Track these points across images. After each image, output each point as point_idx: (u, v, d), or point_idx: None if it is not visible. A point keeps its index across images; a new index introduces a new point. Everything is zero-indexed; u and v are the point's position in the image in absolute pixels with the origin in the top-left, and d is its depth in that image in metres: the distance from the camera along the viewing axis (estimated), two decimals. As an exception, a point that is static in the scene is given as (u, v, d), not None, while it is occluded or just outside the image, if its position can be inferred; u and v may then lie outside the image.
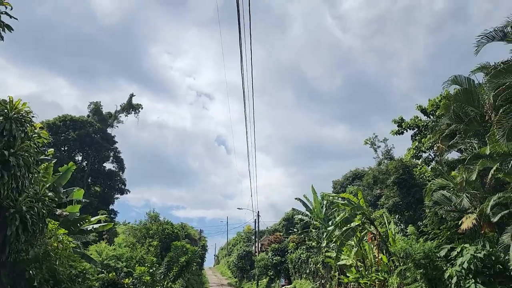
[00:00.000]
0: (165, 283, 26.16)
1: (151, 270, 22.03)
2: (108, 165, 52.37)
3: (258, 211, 48.03)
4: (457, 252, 13.11)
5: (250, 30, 10.71)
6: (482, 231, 13.49)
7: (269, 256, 38.42)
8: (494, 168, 12.07)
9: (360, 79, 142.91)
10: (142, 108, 61.21)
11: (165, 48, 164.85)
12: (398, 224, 20.16)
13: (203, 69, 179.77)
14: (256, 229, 48.06)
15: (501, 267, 11.91)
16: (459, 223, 13.96)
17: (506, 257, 11.38)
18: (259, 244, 47.33)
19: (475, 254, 12.14)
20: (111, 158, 52.16)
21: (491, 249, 12.46)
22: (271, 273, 38.09)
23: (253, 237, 50.88)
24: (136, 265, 21.82)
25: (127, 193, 52.98)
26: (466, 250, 12.50)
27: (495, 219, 12.80)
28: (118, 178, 52.47)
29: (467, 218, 13.60)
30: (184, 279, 30.18)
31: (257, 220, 47.07)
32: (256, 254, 44.82)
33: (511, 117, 11.23)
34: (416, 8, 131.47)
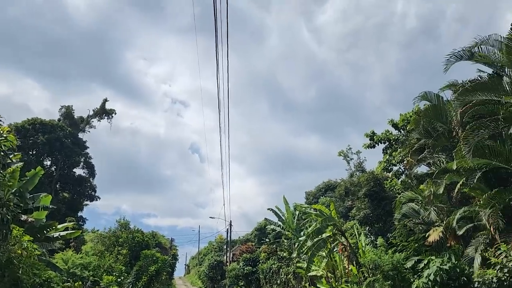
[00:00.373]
0: (133, 293, 25.64)
1: (119, 279, 21.59)
2: (78, 171, 51.10)
3: (231, 221, 47.79)
4: (424, 264, 13.39)
5: (227, 39, 10.76)
6: (448, 244, 13.85)
7: (240, 266, 38.19)
8: (460, 182, 12.46)
9: (334, 91, 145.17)
10: (115, 113, 60.18)
11: (141, 53, 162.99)
12: (368, 236, 20.46)
13: (179, 76, 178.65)
14: (228, 238, 47.74)
15: (465, 279, 12.21)
16: (427, 236, 14.29)
17: (471, 270, 11.71)
18: (231, 253, 46.99)
19: (441, 266, 12.43)
20: (82, 163, 50.92)
21: (456, 262, 12.78)
22: (242, 284, 37.83)
23: (225, 247, 50.50)
24: (104, 274, 21.33)
25: (97, 200, 51.77)
26: (433, 262, 12.79)
27: (460, 232, 13.18)
28: (88, 184, 51.24)
29: (434, 231, 13.94)
30: (153, 289, 29.63)
31: (229, 230, 46.81)
32: (228, 264, 44.47)
33: (477, 134, 11.65)
34: (389, 25, 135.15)
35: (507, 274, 9.10)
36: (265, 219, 36.15)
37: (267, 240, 40.97)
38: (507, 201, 11.16)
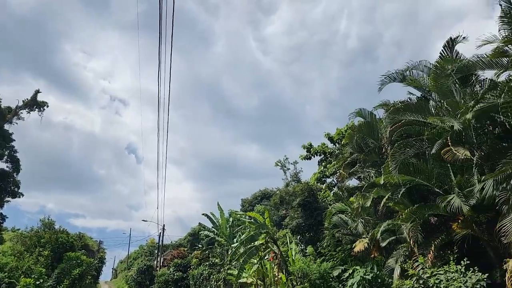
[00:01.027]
0: (53, 297, 24.18)
1: (37, 282, 20.26)
2: (1, 164, 47.47)
3: (164, 225, 46.76)
4: (349, 273, 13.94)
5: (171, 39, 10.59)
6: (372, 255, 14.53)
7: (170, 272, 37.41)
8: (386, 197, 13.13)
9: (276, 102, 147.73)
10: (47, 106, 56.44)
11: (80, 46, 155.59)
12: (299, 245, 20.91)
13: (120, 73, 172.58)
14: (160, 243, 46.63)
15: (385, 289, 12.87)
16: (353, 246, 14.90)
17: (390, 280, 12.35)
18: (162, 258, 45.88)
19: (364, 276, 13.00)
20: (6, 157, 47.37)
21: (378, 272, 13.44)
22: (171, 289, 37.07)
23: (156, 251, 49.24)
24: (21, 276, 19.92)
25: (20, 197, 48.05)
26: (357, 272, 13.35)
27: (383, 244, 13.90)
28: (11, 179, 47.65)
29: (360, 242, 14.57)
30: (76, 293, 28.09)
31: (161, 234, 45.75)
32: (158, 269, 43.35)
33: (403, 152, 12.37)
34: (332, 44, 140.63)
35: (422, 285, 9.70)
36: (199, 224, 35.78)
37: (200, 245, 40.48)
38: (426, 216, 11.93)
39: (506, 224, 8.99)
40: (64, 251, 28.64)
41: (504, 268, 8.31)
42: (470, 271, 9.38)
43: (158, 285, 38.53)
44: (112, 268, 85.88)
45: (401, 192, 12.64)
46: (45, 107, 56.26)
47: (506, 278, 8.27)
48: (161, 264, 43.82)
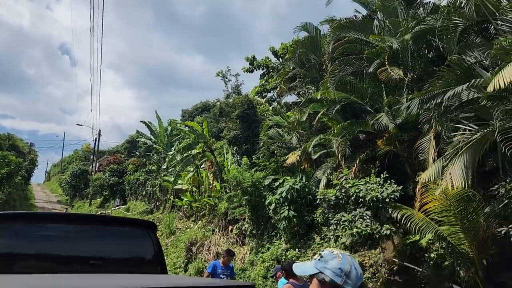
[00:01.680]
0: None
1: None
2: None
3: (100, 130, 45.72)
4: (280, 183, 14.63)
5: None
6: (303, 167, 15.28)
7: (106, 176, 37.38)
8: (322, 112, 13.52)
9: (223, 13, 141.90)
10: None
11: None
12: (235, 155, 21.45)
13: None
14: (96, 148, 45.86)
15: (311, 198, 13.73)
16: (286, 158, 15.51)
17: (316, 190, 13.17)
18: (98, 164, 45.45)
19: (293, 186, 13.71)
20: None
21: (306, 182, 14.24)
22: (106, 193, 37.35)
23: (92, 156, 48.53)
24: None
25: None
26: (287, 182, 14.02)
27: (314, 157, 14.60)
28: None
29: (292, 154, 15.17)
30: (4, 192, 27.44)
31: (97, 139, 44.82)
32: (93, 173, 43.08)
33: (342, 69, 12.57)
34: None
35: (344, 194, 10.46)
36: (137, 131, 35.36)
37: (137, 153, 40.40)
38: (356, 132, 12.53)
39: (424, 142, 9.71)
40: (-10, 151, 27.35)
41: (417, 180, 9.10)
42: (387, 183, 10.19)
43: (93, 189, 38.57)
44: (45, 171, 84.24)
45: (335, 109, 13.02)
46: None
47: (417, 189, 9.10)
48: (96, 169, 43.51)
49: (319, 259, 1.89)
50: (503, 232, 7.76)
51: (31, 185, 47.84)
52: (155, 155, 31.74)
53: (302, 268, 1.93)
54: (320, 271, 1.82)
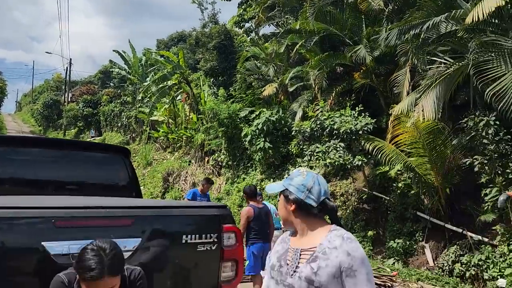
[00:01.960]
0: None
1: None
2: None
3: (71, 59, 43.81)
4: (256, 115, 14.67)
5: None
6: (279, 99, 15.26)
7: (79, 107, 36.58)
8: (300, 43, 13.25)
9: None
10: None
11: None
12: (212, 87, 21.15)
13: None
14: (67, 78, 44.32)
15: (287, 130, 13.89)
16: (263, 90, 15.41)
17: (292, 122, 13.28)
18: (70, 94, 44.19)
19: (269, 118, 13.78)
20: None
21: (282, 115, 14.32)
22: (81, 125, 36.79)
23: (64, 87, 47.02)
24: None
25: None
26: (263, 114, 14.06)
27: (291, 89, 14.57)
28: None
29: (269, 86, 15.07)
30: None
31: (68, 68, 43.16)
32: (65, 103, 42.01)
33: (322, -1, 12.15)
34: None
35: (319, 126, 10.58)
36: (110, 61, 34.16)
37: (111, 84, 39.34)
38: (333, 65, 12.44)
39: (400, 75, 9.74)
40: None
41: (390, 113, 9.26)
42: (362, 116, 10.34)
43: (67, 120, 37.88)
44: (16, 101, 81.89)
45: (314, 40, 12.76)
46: None
47: (390, 122, 9.29)
48: (69, 99, 42.42)
49: (287, 177, 1.95)
50: (467, 163, 8.12)
51: (2, 115, 46.56)
52: (130, 86, 30.97)
53: (272, 187, 1.99)
54: (286, 188, 1.88)
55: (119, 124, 30.69)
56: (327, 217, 1.92)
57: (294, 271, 1.77)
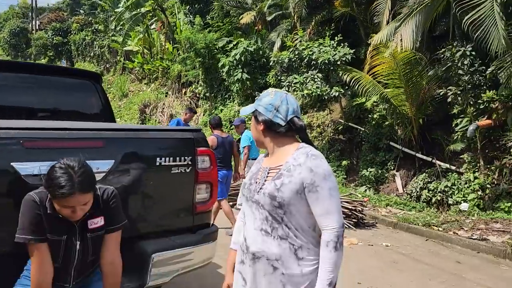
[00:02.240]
0: None
1: None
2: None
3: (36, -17, 40.90)
4: (233, 45, 14.27)
5: None
6: (257, 28, 14.81)
7: (49, 36, 34.79)
8: (279, -32, 12.64)
9: None
10: None
11: None
12: (188, 16, 20.23)
13: None
14: (34, 4, 41.67)
15: (265, 60, 13.66)
16: (240, 18, 14.87)
17: (270, 53, 13.01)
18: (38, 21, 41.80)
19: (247, 48, 13.45)
20: None
21: (260, 45, 13.99)
22: (51, 54, 35.22)
23: (30, 13, 44.30)
24: None
25: None
26: (241, 44, 13.69)
27: (269, 18, 14.13)
28: None
29: (247, 14, 14.53)
30: None
31: (34, -7, 40.40)
32: (33, 32, 39.86)
33: None
34: None
35: (297, 56, 10.40)
36: (79, -15, 32.06)
37: (81, 11, 37.22)
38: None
39: (381, 3, 9.50)
40: None
41: (369, 42, 9.14)
42: (341, 46, 10.18)
43: (35, 49, 36.19)
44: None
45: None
46: None
47: (368, 52, 9.21)
48: (37, 27, 40.22)
49: (257, 99, 1.94)
50: (441, 94, 8.24)
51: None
52: (101, 13, 29.39)
53: (245, 109, 1.98)
54: (255, 108, 1.88)
55: (92, 54, 29.52)
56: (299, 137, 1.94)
57: (261, 188, 1.81)
